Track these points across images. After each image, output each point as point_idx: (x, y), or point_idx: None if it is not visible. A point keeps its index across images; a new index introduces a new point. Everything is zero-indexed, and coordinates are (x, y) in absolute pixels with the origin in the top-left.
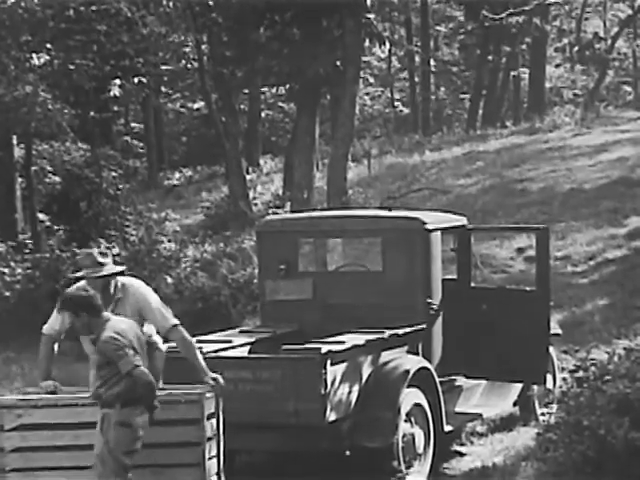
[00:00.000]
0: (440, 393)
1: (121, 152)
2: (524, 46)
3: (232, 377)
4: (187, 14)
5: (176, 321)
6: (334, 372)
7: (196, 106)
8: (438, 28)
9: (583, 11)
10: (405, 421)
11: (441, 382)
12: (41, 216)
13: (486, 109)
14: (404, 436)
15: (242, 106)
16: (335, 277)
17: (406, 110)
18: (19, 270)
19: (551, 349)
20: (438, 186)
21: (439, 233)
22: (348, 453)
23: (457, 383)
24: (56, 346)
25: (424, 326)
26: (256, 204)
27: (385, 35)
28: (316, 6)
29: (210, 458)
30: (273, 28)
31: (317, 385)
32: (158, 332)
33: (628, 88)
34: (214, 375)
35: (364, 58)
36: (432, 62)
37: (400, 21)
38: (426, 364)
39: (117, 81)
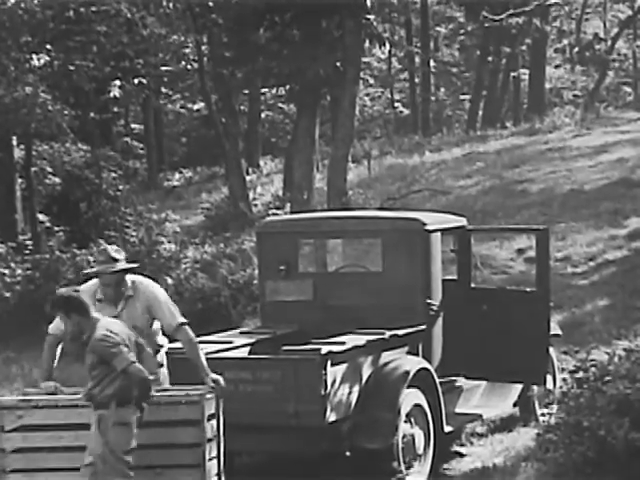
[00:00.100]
0: (440, 394)
1: (121, 153)
2: (524, 47)
3: (232, 378)
4: (187, 15)
5: (183, 320)
6: (334, 373)
7: (196, 107)
8: (438, 29)
9: (583, 12)
10: (405, 422)
11: (441, 383)
12: (41, 217)
13: (486, 110)
14: (404, 437)
15: (242, 107)
16: (335, 278)
17: (406, 111)
18: (19, 271)
19: (551, 350)
20: (438, 187)
21: (439, 234)
22: (348, 454)
23: (457, 384)
24: (60, 346)
25: (424, 327)
26: (256, 205)
27: (385, 36)
28: (316, 7)
29: (210, 459)
30: (273, 29)
31: (317, 386)
32: (164, 330)
33: (628, 89)
34: (215, 376)
35: (364, 59)
36: (432, 63)
37: (400, 22)
38: (426, 365)
39: (117, 82)
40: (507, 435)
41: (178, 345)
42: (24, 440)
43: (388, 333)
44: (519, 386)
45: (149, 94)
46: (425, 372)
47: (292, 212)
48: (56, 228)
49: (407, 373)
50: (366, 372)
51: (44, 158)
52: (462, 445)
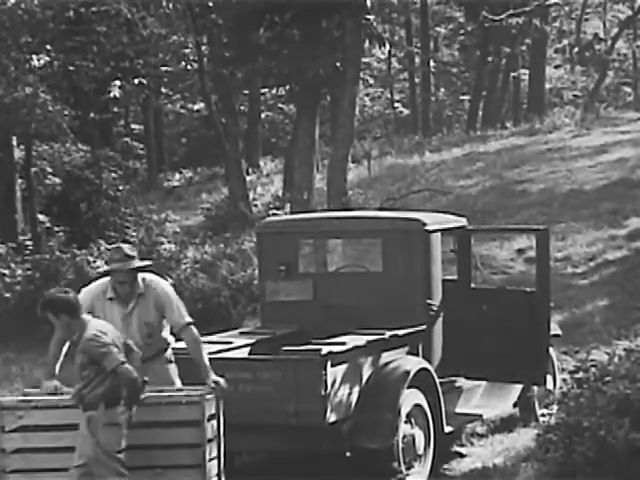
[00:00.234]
0: (440, 394)
1: (121, 153)
2: (524, 47)
3: (232, 378)
4: (187, 15)
5: (190, 319)
6: (334, 373)
7: (196, 107)
8: (438, 29)
9: (583, 12)
10: (405, 422)
11: (441, 383)
12: (41, 217)
13: (486, 110)
14: (404, 437)
15: (242, 107)
16: (335, 278)
17: (406, 111)
18: (19, 271)
19: (551, 350)
20: (438, 187)
21: (439, 234)
22: (348, 454)
23: (457, 384)
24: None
25: (424, 327)
26: (256, 205)
27: (385, 36)
28: (316, 7)
29: (211, 459)
30: (273, 29)
31: (317, 386)
32: (171, 328)
33: (628, 89)
34: (216, 378)
35: (364, 59)
36: (432, 63)
37: (400, 22)
38: (426, 365)
39: (117, 82)
40: (507, 435)
41: (182, 345)
42: (24, 440)
43: (388, 333)
44: (519, 386)
45: (149, 94)
46: (425, 372)
47: (292, 212)
48: (56, 228)
49: (407, 373)
50: (366, 372)
51: (44, 158)
52: (462, 445)
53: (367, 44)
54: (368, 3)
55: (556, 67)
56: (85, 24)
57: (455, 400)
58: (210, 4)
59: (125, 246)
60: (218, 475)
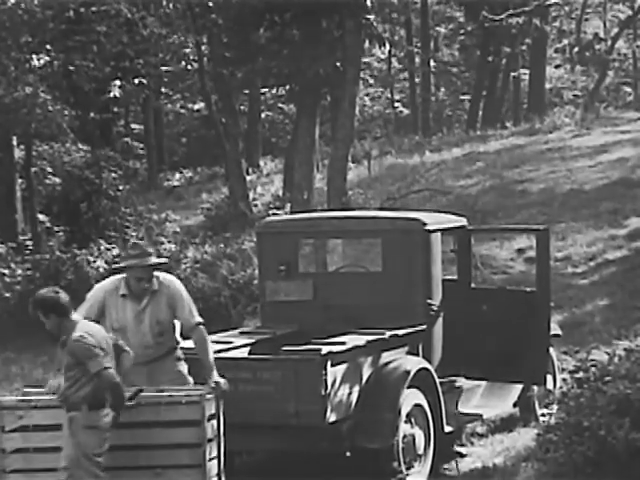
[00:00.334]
0: (440, 394)
1: (121, 153)
2: (524, 47)
3: (232, 378)
4: (187, 15)
5: (201, 320)
6: (334, 373)
7: (196, 107)
8: (438, 29)
9: (583, 12)
10: (405, 422)
11: (441, 383)
12: (41, 217)
13: (486, 110)
14: (404, 437)
15: (242, 107)
16: (335, 278)
17: (406, 111)
18: (19, 271)
19: (551, 350)
20: (438, 187)
21: (439, 234)
22: (348, 454)
23: (457, 384)
24: None
25: (424, 327)
26: (256, 205)
27: (385, 36)
28: (316, 7)
29: (211, 459)
30: (273, 29)
31: (317, 386)
32: (181, 327)
33: (628, 89)
34: (217, 378)
35: (364, 59)
36: (432, 63)
37: (400, 22)
38: (426, 365)
39: (117, 82)
40: (507, 435)
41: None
42: (24, 440)
43: (388, 333)
44: (519, 386)
45: (149, 94)
46: (425, 372)
47: (292, 212)
48: (56, 228)
49: (407, 373)
50: (366, 372)
51: (44, 158)
52: (462, 445)
53: (367, 44)
54: (368, 3)
55: (556, 67)
56: (85, 24)
57: (455, 400)
58: (210, 4)
59: (143, 243)
60: (218, 475)
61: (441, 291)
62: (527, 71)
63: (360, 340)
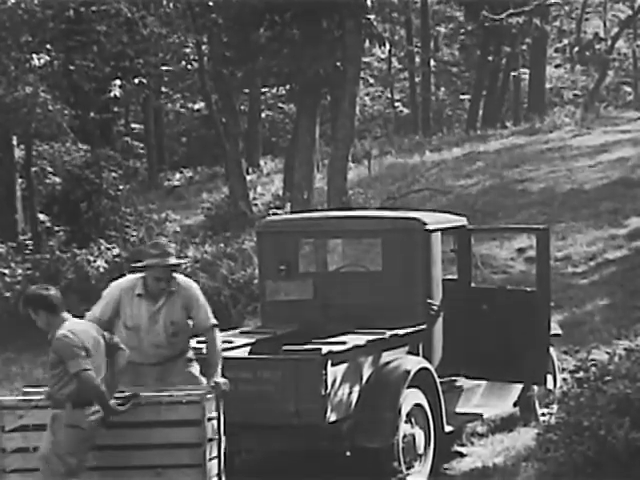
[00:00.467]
0: (440, 393)
1: (121, 153)
2: (524, 46)
3: (233, 378)
4: (187, 15)
5: (215, 322)
6: (335, 372)
7: (196, 107)
8: (438, 28)
9: (583, 11)
10: (405, 422)
11: (441, 382)
12: (41, 217)
13: (486, 109)
14: (404, 437)
15: (242, 107)
16: (335, 277)
17: (406, 110)
18: (19, 271)
19: (551, 349)
20: (438, 187)
21: (439, 233)
22: (348, 453)
23: (457, 383)
24: None
25: (424, 326)
26: (256, 205)
27: (385, 36)
28: (316, 6)
29: (211, 459)
30: (273, 28)
31: (318, 385)
32: (195, 328)
33: (628, 89)
34: (219, 379)
35: (364, 59)
36: (432, 62)
37: (400, 22)
38: (426, 364)
39: (117, 82)
40: (507, 435)
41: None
42: (24, 440)
43: (388, 333)
44: (519, 386)
45: (149, 94)
46: (425, 372)
47: (292, 212)
48: (56, 228)
49: (407, 373)
50: (366, 372)
51: (44, 158)
52: (462, 445)
53: (367, 43)
54: (368, 3)
55: (556, 66)
56: (85, 23)
57: (455, 399)
58: (210, 3)
59: (164, 242)
60: (218, 475)
61: (441, 291)
62: (527, 71)
63: (360, 340)
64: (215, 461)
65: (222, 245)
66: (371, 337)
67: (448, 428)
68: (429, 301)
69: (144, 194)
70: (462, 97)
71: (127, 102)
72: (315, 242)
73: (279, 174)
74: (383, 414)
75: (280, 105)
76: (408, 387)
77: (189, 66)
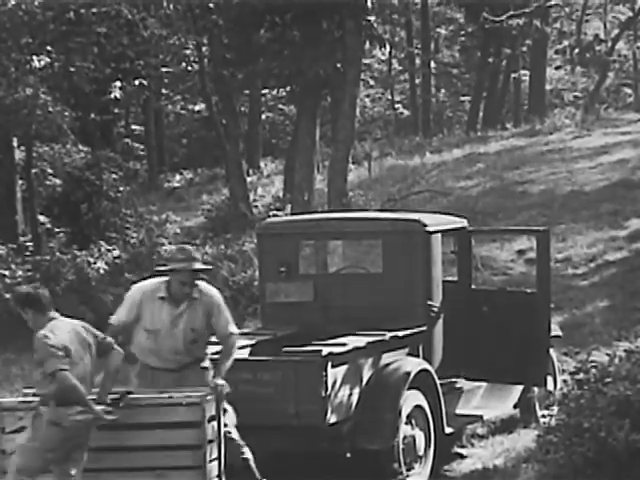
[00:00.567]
0: (441, 395)
1: (122, 154)
2: (524, 48)
3: (233, 379)
4: (187, 16)
5: (236, 330)
6: (335, 374)
7: (197, 108)
8: (439, 30)
9: (583, 13)
10: (406, 423)
11: (442, 384)
12: (42, 218)
13: (486, 111)
14: (405, 438)
15: (242, 108)
16: (336, 279)
17: (406, 112)
18: (19, 272)
19: (552, 351)
20: (438, 188)
21: (439, 235)
22: (349, 455)
23: (458, 385)
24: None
25: (424, 328)
26: (256, 206)
27: (385, 37)
28: (316, 8)
29: (211, 461)
30: (273, 30)
31: (318, 387)
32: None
33: (628, 90)
34: (220, 381)
35: (364, 60)
36: (432, 64)
37: (400, 23)
38: (427, 366)
39: (117, 83)
40: (507, 436)
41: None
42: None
43: (388, 334)
44: (519, 387)
45: (150, 95)
46: (426, 373)
47: (293, 213)
48: (57, 229)
49: (408, 374)
50: (367, 373)
51: (45, 159)
52: (463, 446)
53: (367, 45)
54: (369, 4)
55: (556, 68)
56: (85, 25)
57: (455, 401)
58: (210, 5)
59: (189, 247)
60: (219, 476)
61: (441, 292)
62: (527, 72)
63: (360, 341)
64: (215, 462)
65: (222, 247)
66: (371, 339)
67: (448, 429)
68: (429, 303)
69: (144, 195)
70: (462, 99)
71: (127, 104)
72: (315, 244)
73: (279, 175)
74: (383, 416)
75: (280, 106)
76: (408, 389)
77: (189, 67)
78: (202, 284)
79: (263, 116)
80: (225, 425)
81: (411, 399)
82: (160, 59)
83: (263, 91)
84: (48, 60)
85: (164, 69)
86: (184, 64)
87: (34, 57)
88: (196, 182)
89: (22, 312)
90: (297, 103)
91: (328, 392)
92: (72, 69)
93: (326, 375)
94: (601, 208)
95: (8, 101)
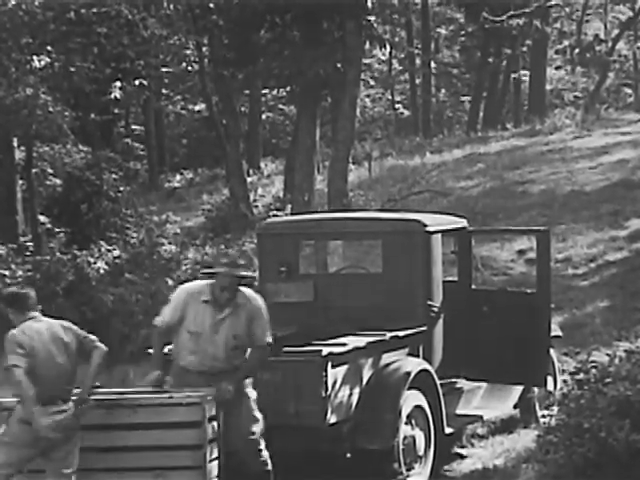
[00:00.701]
0: (441, 395)
1: (122, 154)
2: (525, 48)
3: None
4: (188, 16)
5: (270, 341)
6: (335, 374)
7: (197, 108)
8: (439, 30)
9: (584, 13)
10: (406, 423)
11: (442, 384)
12: (42, 218)
13: (487, 111)
14: (405, 438)
15: (243, 108)
16: (336, 279)
17: (407, 112)
18: (20, 272)
19: (552, 351)
20: (439, 188)
21: (440, 235)
22: (349, 455)
23: (458, 385)
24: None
25: (425, 328)
26: (257, 206)
27: (386, 37)
28: (316, 8)
29: (211, 460)
30: (273, 30)
31: (318, 387)
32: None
33: (629, 90)
34: (229, 387)
35: (365, 60)
36: (433, 64)
37: (401, 23)
38: (427, 366)
39: (118, 83)
40: (508, 437)
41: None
42: None
43: (389, 334)
44: (520, 388)
45: (150, 95)
46: (426, 373)
47: (293, 213)
48: (57, 229)
49: (408, 374)
50: (367, 373)
51: (45, 159)
52: (463, 446)
53: (368, 45)
54: (369, 4)
55: (557, 68)
56: (86, 25)
57: (456, 401)
58: (211, 5)
59: (235, 254)
60: (218, 476)
61: (441, 292)
62: (528, 72)
63: (360, 341)
64: (215, 462)
65: (223, 247)
66: (371, 339)
67: (448, 430)
68: (429, 303)
69: (144, 196)
70: (462, 99)
71: (128, 104)
72: (315, 244)
73: (279, 176)
74: (383, 416)
75: (280, 107)
76: (408, 389)
77: (190, 68)
78: (247, 290)
79: (263, 116)
80: (253, 433)
81: (411, 399)
82: (160, 59)
83: (263, 91)
84: (48, 60)
85: (164, 69)
86: (184, 64)
87: (34, 57)
88: (196, 182)
89: (7, 311)
90: (297, 103)
91: (328, 392)
92: (72, 69)
93: (326, 375)
94: (601, 208)
95: (8, 101)
